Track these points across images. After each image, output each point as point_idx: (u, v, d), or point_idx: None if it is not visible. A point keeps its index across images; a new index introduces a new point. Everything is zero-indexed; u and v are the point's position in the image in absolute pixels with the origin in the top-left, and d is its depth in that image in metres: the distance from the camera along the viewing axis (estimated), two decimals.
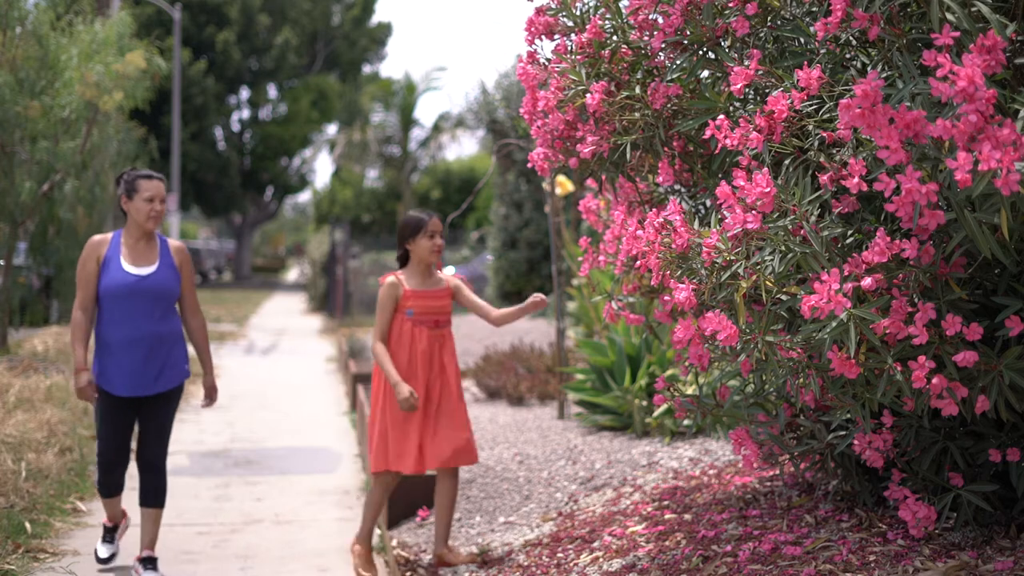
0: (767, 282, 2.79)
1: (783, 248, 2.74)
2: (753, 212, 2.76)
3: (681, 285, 2.97)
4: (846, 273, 2.61)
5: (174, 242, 4.68)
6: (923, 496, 3.34)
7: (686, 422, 5.64)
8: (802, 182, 2.76)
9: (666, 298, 3.33)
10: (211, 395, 4.76)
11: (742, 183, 2.79)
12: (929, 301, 2.62)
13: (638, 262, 3.21)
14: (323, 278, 24.23)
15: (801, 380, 2.96)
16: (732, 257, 2.87)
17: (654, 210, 3.22)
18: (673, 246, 3.06)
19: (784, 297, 2.81)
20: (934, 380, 2.57)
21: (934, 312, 2.57)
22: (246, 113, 41.45)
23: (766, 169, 2.77)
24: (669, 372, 5.92)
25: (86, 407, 7.96)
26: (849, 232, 2.83)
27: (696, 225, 3.14)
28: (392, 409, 4.52)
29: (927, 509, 3.25)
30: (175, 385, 4.60)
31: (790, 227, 2.74)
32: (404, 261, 4.66)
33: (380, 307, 4.59)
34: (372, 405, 4.64)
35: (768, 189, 2.73)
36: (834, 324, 2.57)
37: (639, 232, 3.18)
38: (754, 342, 2.83)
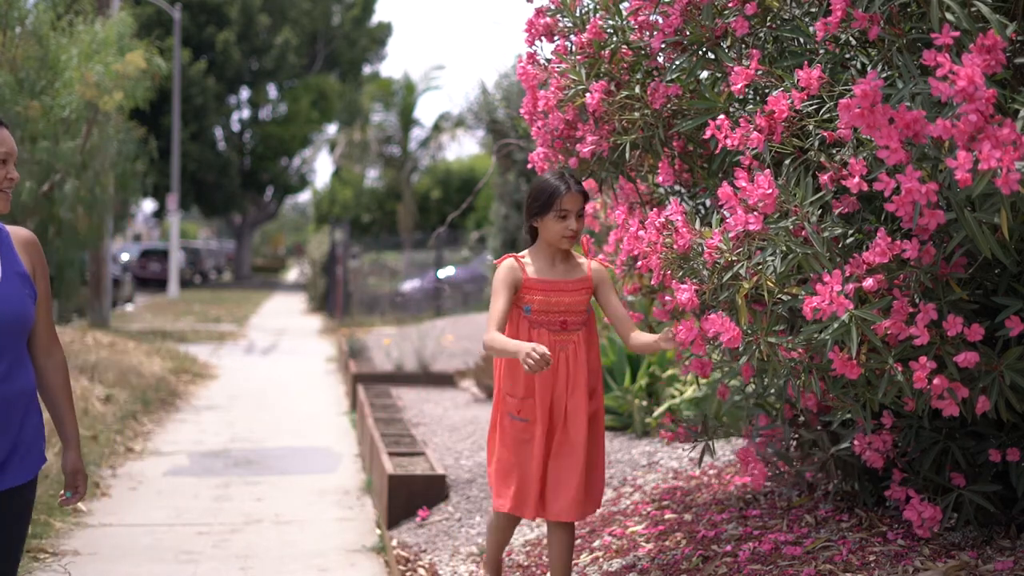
0: (768, 282, 2.79)
1: (784, 249, 2.73)
2: (755, 213, 2.76)
3: (683, 286, 2.97)
4: (847, 274, 2.60)
5: (20, 231, 2.85)
6: (924, 496, 3.35)
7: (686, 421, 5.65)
8: (804, 183, 2.76)
9: (667, 298, 3.33)
10: (76, 483, 2.95)
11: (744, 184, 2.78)
12: (930, 302, 2.62)
13: (639, 262, 3.21)
14: (323, 278, 24.23)
15: (803, 380, 2.96)
16: (734, 258, 2.87)
17: (655, 210, 3.22)
18: (675, 247, 3.06)
19: (785, 298, 2.81)
20: (935, 381, 2.57)
21: (935, 313, 2.56)
22: (246, 113, 41.49)
23: (768, 171, 2.76)
24: (668, 372, 5.92)
25: (86, 407, 7.95)
26: (850, 232, 2.83)
27: (697, 225, 3.13)
28: (503, 433, 3.52)
29: (933, 510, 3.25)
30: (30, 478, 2.80)
31: (791, 228, 2.73)
32: (534, 237, 3.56)
33: (496, 289, 3.45)
34: (491, 422, 3.64)
35: (770, 191, 2.72)
36: (836, 325, 2.57)
37: (640, 232, 3.18)
38: (756, 344, 2.83)
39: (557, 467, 3.45)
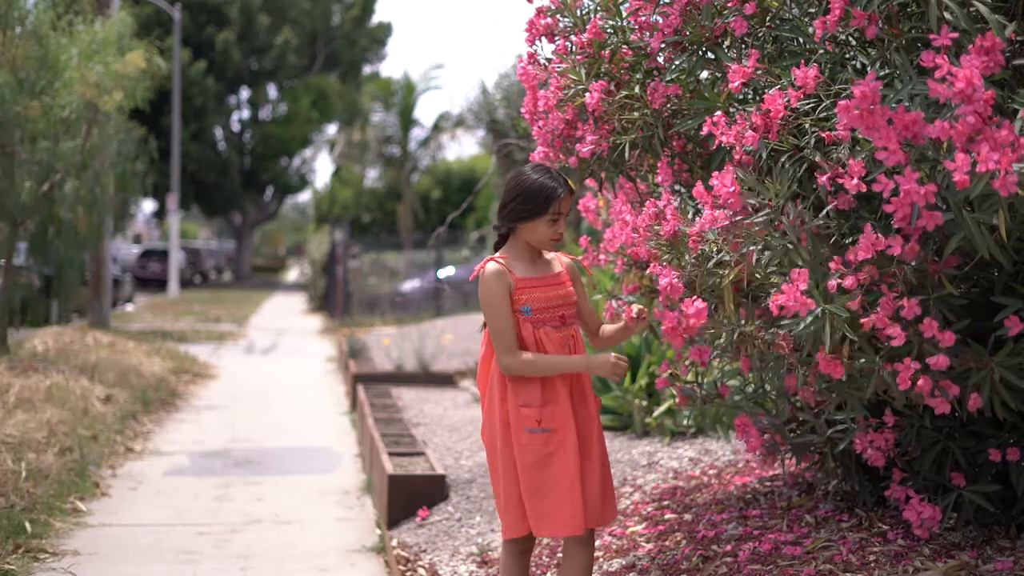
0: (756, 273, 2.81)
1: (763, 243, 2.75)
2: (723, 211, 2.78)
3: (664, 271, 3.00)
4: (832, 270, 2.61)
5: None
6: (924, 496, 3.35)
7: (686, 421, 5.65)
8: (778, 175, 2.77)
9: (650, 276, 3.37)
10: None
11: (715, 182, 2.81)
12: (916, 297, 2.62)
13: (630, 249, 3.24)
14: (323, 278, 24.23)
15: (801, 374, 2.97)
16: (717, 247, 2.90)
17: (652, 200, 3.24)
18: (662, 233, 3.08)
19: (771, 289, 2.83)
20: (919, 382, 2.56)
21: (919, 308, 2.56)
22: (246, 113, 41.48)
23: (730, 167, 2.78)
24: (669, 372, 5.92)
25: (86, 407, 7.95)
26: (845, 228, 2.83)
27: (690, 216, 3.16)
28: (522, 452, 3.15)
29: (932, 509, 3.26)
30: None
31: (770, 221, 2.75)
32: (505, 238, 3.28)
33: (495, 305, 3.15)
34: (490, 454, 3.28)
35: (732, 188, 2.74)
36: (808, 319, 2.58)
37: (627, 216, 3.21)
38: (732, 329, 2.86)
39: (590, 474, 3.18)
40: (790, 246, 2.69)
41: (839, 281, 2.58)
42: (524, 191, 3.16)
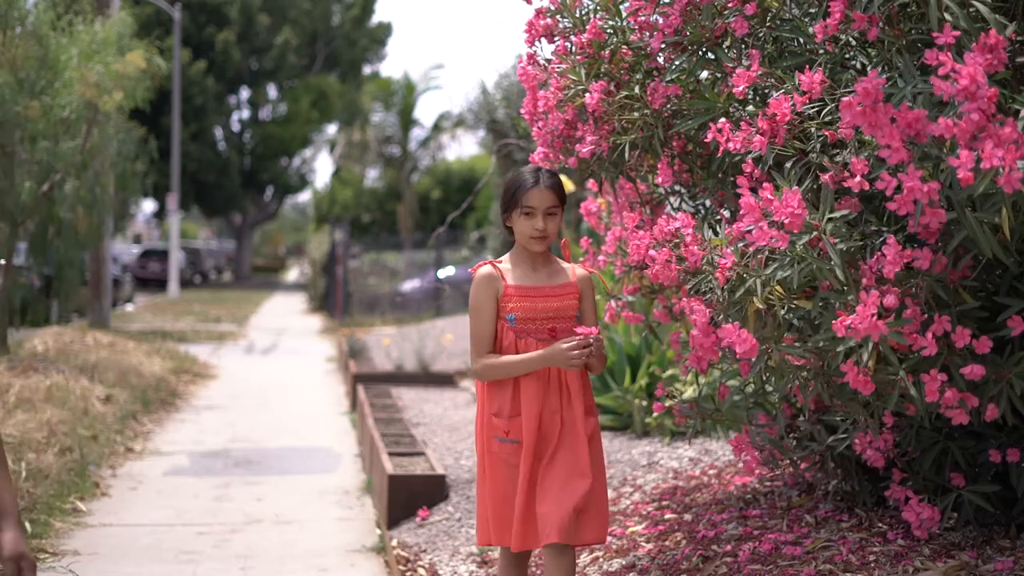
0: (778, 292, 2.77)
1: (799, 260, 2.68)
2: (781, 231, 2.63)
3: (698, 307, 2.97)
4: (864, 285, 2.56)
5: None
6: (924, 496, 3.35)
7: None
8: (827, 199, 2.69)
9: (664, 305, 3.33)
10: (21, 570, 2.18)
11: (769, 196, 2.66)
12: (943, 312, 2.59)
13: (647, 272, 3.20)
14: (323, 278, 24.23)
15: (810, 384, 2.95)
16: (746, 275, 2.85)
17: (664, 218, 3.20)
18: (687, 263, 3.04)
19: (793, 306, 2.80)
20: (947, 393, 2.54)
21: (949, 324, 2.54)
22: (246, 113, 41.49)
23: (797, 188, 2.66)
24: (669, 372, 5.92)
25: (86, 407, 7.94)
26: (854, 235, 2.82)
27: (705, 231, 3.12)
28: (492, 466, 3.15)
29: (931, 510, 3.26)
30: None
31: (807, 240, 2.71)
32: (512, 242, 3.25)
33: (475, 308, 3.13)
34: (478, 462, 3.28)
35: (800, 211, 2.60)
36: (851, 341, 2.53)
37: (650, 247, 3.16)
38: (768, 352, 2.82)
39: (550, 486, 3.07)
40: (825, 266, 2.62)
41: (880, 300, 2.51)
42: (504, 184, 3.20)
